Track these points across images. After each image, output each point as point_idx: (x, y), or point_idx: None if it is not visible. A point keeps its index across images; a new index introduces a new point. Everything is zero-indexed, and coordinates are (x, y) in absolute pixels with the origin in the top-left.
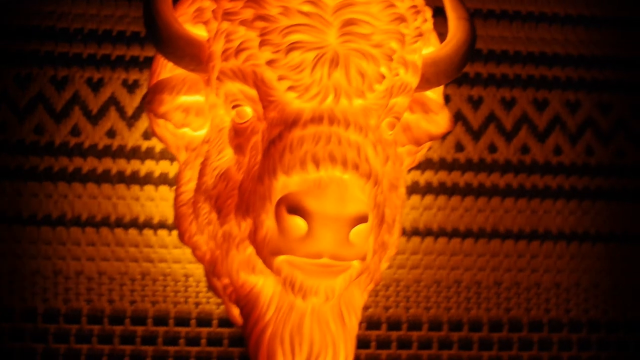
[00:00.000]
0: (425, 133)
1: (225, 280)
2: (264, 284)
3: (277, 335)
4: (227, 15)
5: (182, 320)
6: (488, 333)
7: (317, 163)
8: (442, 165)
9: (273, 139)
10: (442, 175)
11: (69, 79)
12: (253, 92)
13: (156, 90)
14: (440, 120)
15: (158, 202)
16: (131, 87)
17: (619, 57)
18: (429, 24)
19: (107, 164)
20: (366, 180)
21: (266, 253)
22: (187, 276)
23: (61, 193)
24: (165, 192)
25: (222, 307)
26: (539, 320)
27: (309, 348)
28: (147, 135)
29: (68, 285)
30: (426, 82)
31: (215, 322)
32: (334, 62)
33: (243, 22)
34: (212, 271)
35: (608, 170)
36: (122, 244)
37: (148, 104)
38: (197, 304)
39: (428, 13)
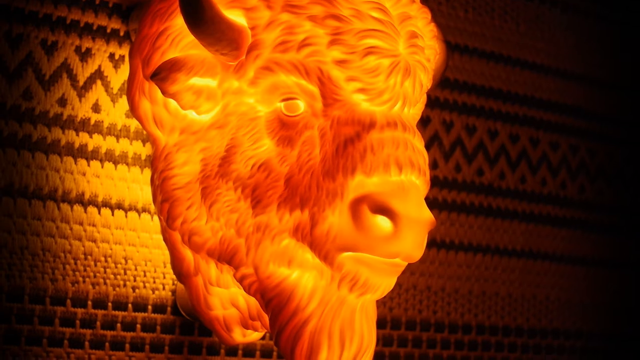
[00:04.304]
0: None
1: (246, 271)
2: (299, 277)
3: (324, 329)
4: (291, 7)
5: (120, 304)
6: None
7: (400, 167)
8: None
9: (350, 139)
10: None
11: (23, 38)
12: (313, 88)
13: (172, 68)
14: None
15: (103, 180)
16: (83, 55)
17: (525, 95)
18: None
19: (57, 134)
20: (427, 187)
21: (329, 248)
22: (126, 259)
23: (9, 160)
24: (110, 170)
25: (156, 292)
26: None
27: (359, 342)
28: (97, 108)
29: (13, 260)
30: None
31: (150, 307)
32: (407, 72)
33: (311, 18)
34: (227, 260)
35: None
36: (67, 221)
37: (161, 81)
38: (134, 288)
39: None
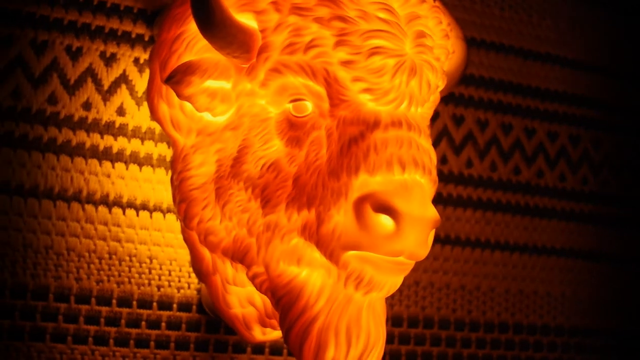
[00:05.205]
0: None
1: (257, 269)
2: (309, 275)
3: (331, 327)
4: (298, 10)
5: (145, 303)
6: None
7: (403, 166)
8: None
9: (354, 138)
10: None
11: (48, 44)
12: (320, 89)
13: (186, 72)
14: None
15: (128, 181)
16: (108, 60)
17: (564, 92)
18: None
19: (82, 137)
20: (433, 186)
21: (335, 247)
22: (151, 258)
23: (35, 163)
24: (135, 172)
25: (182, 291)
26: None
27: (366, 340)
28: (122, 111)
29: (37, 260)
30: None
31: (175, 305)
32: (413, 71)
33: (318, 20)
34: (239, 259)
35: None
36: (92, 221)
37: (176, 84)
38: (159, 287)
39: None
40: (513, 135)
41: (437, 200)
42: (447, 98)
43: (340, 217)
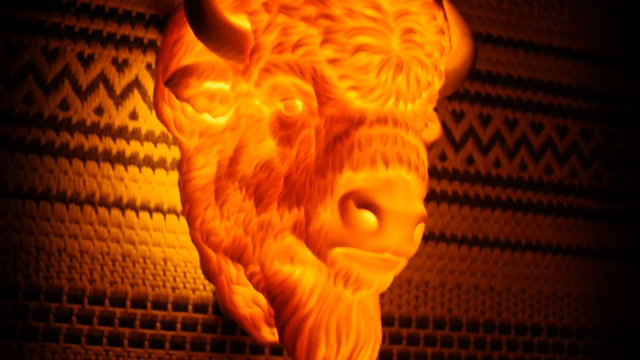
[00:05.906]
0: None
1: (254, 269)
2: (302, 274)
3: (322, 325)
4: (286, 9)
5: (159, 304)
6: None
7: (386, 162)
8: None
9: (339, 136)
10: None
11: (59, 51)
12: (309, 88)
13: (184, 74)
14: (434, 128)
15: (141, 184)
16: (120, 65)
17: (599, 90)
18: None
19: (94, 141)
20: (421, 182)
21: (322, 244)
22: (165, 260)
23: (47, 167)
24: (149, 175)
25: (197, 292)
26: (523, 323)
27: (355, 338)
28: (134, 115)
29: (50, 262)
30: None
31: (190, 307)
32: (399, 67)
33: (304, 19)
34: (237, 258)
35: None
36: (105, 224)
37: (174, 87)
38: (174, 289)
39: None
40: (544, 134)
41: (464, 201)
42: (474, 97)
43: (327, 215)
